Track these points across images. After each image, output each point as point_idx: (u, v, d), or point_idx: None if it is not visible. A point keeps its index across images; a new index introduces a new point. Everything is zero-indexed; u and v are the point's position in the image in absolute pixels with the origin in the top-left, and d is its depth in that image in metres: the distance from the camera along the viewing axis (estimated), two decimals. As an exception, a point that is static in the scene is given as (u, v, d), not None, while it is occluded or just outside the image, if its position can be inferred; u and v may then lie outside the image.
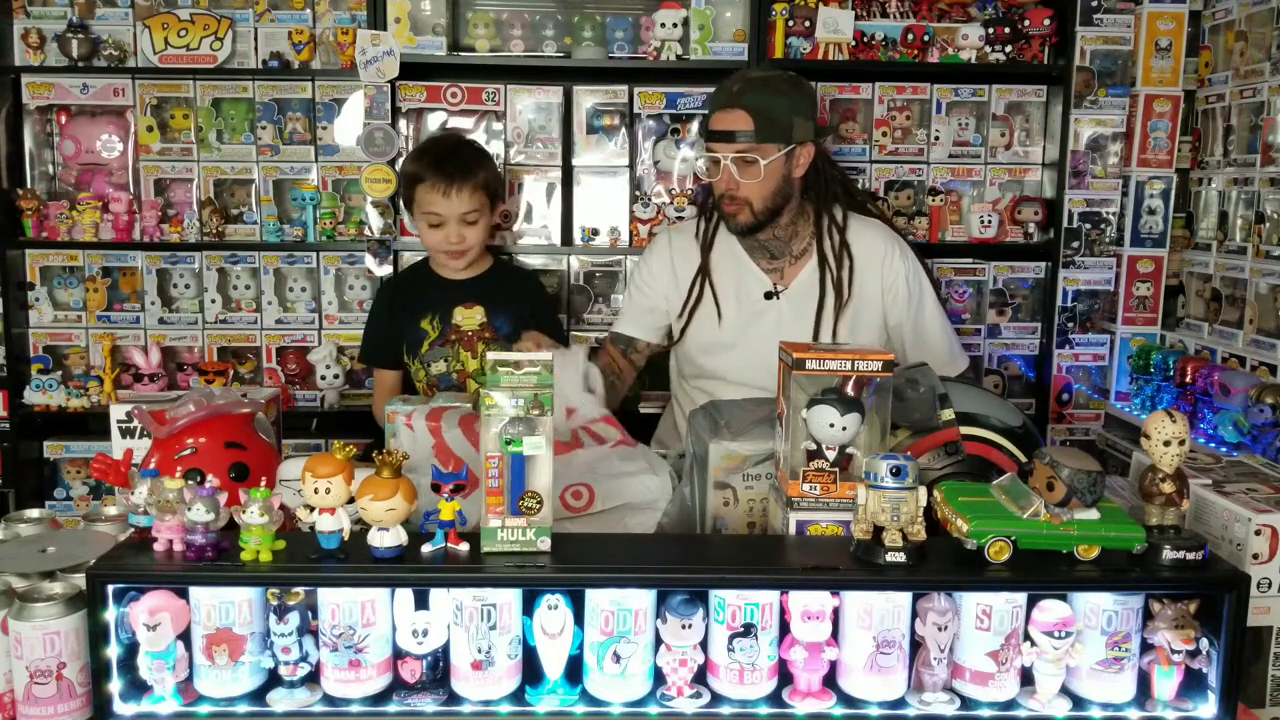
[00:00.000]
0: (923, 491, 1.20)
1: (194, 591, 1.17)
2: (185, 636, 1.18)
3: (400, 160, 2.83)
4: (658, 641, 1.20)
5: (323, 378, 2.89)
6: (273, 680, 1.20)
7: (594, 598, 1.19)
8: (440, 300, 2.41)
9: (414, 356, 2.43)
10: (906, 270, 2.23)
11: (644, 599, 1.19)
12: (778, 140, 2.07)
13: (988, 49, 2.83)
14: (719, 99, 2.13)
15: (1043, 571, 1.19)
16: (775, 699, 1.21)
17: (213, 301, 2.91)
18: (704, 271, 2.24)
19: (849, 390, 1.31)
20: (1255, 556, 1.34)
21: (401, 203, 2.49)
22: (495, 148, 2.80)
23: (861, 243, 2.21)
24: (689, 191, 2.89)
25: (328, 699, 1.19)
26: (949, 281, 2.98)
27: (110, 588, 1.15)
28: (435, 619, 1.18)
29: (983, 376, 3.01)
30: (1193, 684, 1.22)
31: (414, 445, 1.55)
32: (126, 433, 1.63)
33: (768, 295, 2.21)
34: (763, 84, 2.11)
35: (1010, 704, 1.21)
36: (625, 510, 1.53)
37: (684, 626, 1.19)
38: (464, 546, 1.20)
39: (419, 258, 2.65)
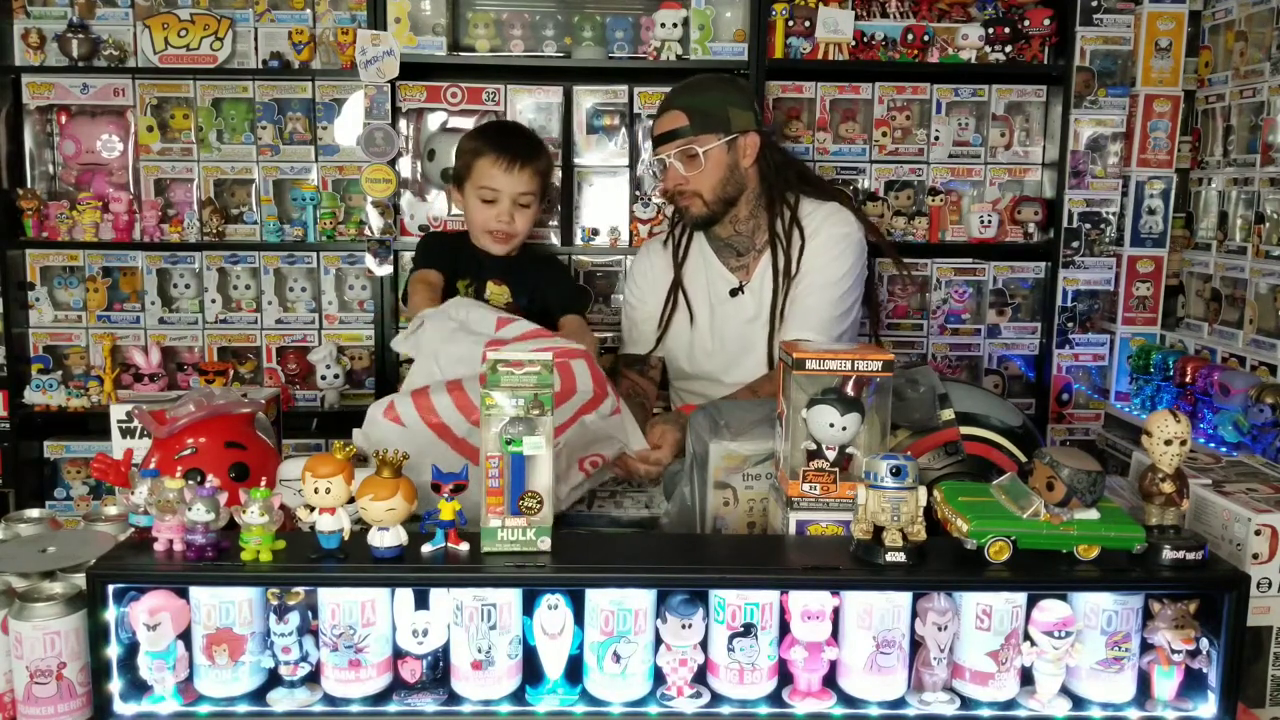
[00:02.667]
0: (923, 491, 1.20)
1: (194, 591, 1.17)
2: (185, 636, 1.18)
3: (398, 159, 2.83)
4: (658, 641, 1.21)
5: (323, 378, 2.89)
6: (273, 680, 1.20)
7: (594, 598, 1.19)
8: (477, 270, 2.39)
9: None
10: (839, 235, 2.20)
11: (644, 599, 1.19)
12: (715, 130, 2.15)
13: (988, 49, 2.83)
14: (658, 110, 2.25)
15: (1043, 571, 1.19)
16: (775, 699, 1.21)
17: (213, 301, 2.91)
18: (677, 282, 2.32)
19: (849, 390, 1.31)
20: (1255, 556, 1.34)
21: (451, 183, 2.47)
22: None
23: (813, 219, 2.24)
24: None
25: (328, 699, 1.19)
26: (949, 281, 2.98)
27: (110, 588, 1.15)
28: (435, 619, 1.18)
29: (983, 376, 3.01)
30: (1193, 684, 1.22)
31: (410, 440, 1.50)
32: (126, 433, 1.63)
33: (733, 292, 2.27)
34: (694, 85, 2.24)
35: (1010, 704, 1.21)
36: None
37: (684, 626, 1.19)
38: (464, 546, 1.20)
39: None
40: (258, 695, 1.19)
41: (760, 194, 2.24)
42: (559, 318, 2.30)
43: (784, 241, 2.22)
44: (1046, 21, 2.82)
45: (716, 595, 1.20)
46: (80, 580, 1.17)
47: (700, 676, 1.21)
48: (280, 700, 1.18)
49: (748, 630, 1.18)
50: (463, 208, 2.42)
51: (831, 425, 1.29)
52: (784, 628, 1.20)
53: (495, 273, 2.38)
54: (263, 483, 1.39)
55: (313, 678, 1.20)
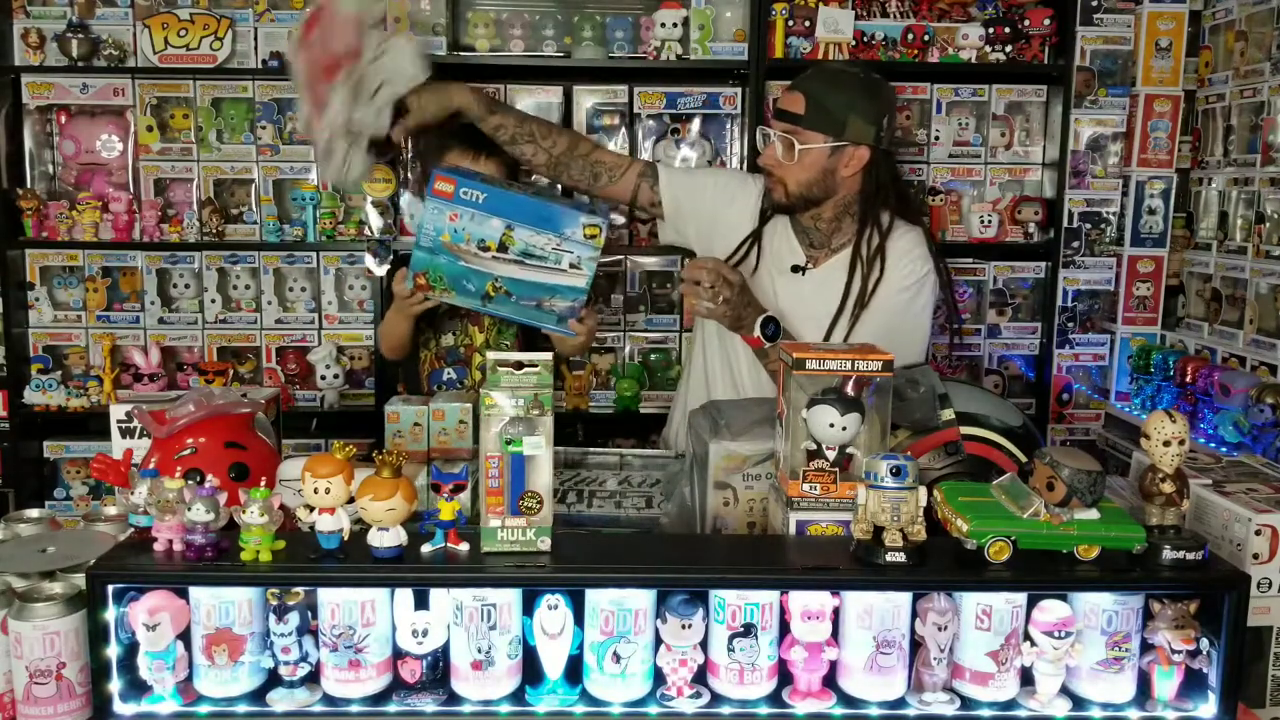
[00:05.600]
0: (923, 491, 1.20)
1: (194, 591, 1.17)
2: (185, 636, 1.18)
3: (399, 159, 2.83)
4: (658, 641, 1.20)
5: (323, 378, 2.89)
6: (273, 680, 1.20)
7: (594, 598, 1.19)
8: None
9: (428, 323, 2.43)
10: (917, 277, 2.13)
11: (644, 599, 1.19)
12: (825, 131, 2.04)
13: (988, 49, 2.83)
14: (790, 84, 2.14)
15: (1043, 571, 1.19)
16: (775, 699, 1.21)
17: (213, 301, 2.91)
18: (755, 236, 2.22)
19: (849, 390, 1.31)
20: (1255, 556, 1.34)
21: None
22: (495, 147, 2.80)
23: (894, 247, 2.14)
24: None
25: (327, 699, 1.19)
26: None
27: (110, 588, 1.15)
28: (435, 619, 1.18)
29: (983, 376, 3.01)
30: (1193, 684, 1.22)
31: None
32: (126, 433, 1.62)
33: (795, 269, 2.18)
34: (832, 75, 2.13)
35: (1010, 704, 1.21)
36: None
37: (684, 626, 1.19)
38: (464, 546, 1.20)
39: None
40: (257, 695, 1.19)
41: (853, 205, 2.14)
42: None
43: (865, 266, 2.11)
44: (1046, 21, 2.82)
45: (716, 595, 1.20)
46: (80, 580, 1.17)
47: (700, 677, 1.21)
48: (280, 700, 1.18)
49: (748, 630, 1.18)
50: None
51: (831, 425, 1.29)
52: (784, 628, 1.20)
53: None
54: (262, 483, 1.39)
55: (312, 678, 1.20)
